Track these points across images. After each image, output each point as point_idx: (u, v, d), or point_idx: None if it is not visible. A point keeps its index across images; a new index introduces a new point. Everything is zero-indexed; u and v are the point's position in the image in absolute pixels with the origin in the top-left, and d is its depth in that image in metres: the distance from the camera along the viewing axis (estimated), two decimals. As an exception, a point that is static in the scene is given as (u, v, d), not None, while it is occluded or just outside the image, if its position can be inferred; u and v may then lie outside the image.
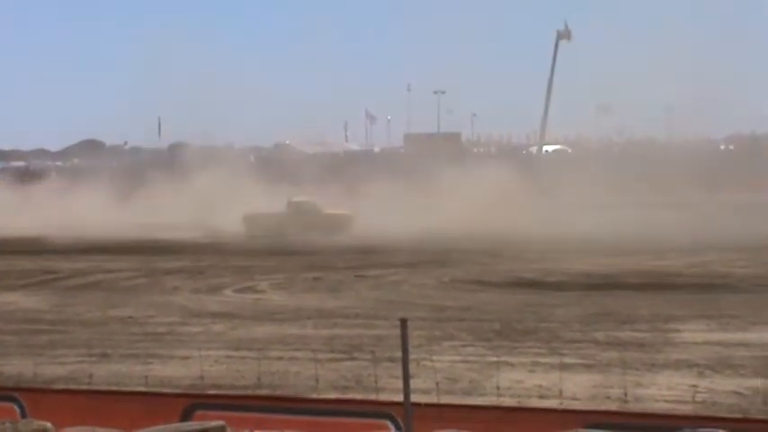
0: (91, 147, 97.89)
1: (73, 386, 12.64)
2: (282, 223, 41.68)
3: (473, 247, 32.95)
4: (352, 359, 15.55)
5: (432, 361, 13.56)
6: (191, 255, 33.69)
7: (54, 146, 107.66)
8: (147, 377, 12.96)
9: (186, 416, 8.22)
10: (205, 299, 23.22)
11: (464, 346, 16.55)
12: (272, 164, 68.69)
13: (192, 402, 8.39)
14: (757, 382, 13.07)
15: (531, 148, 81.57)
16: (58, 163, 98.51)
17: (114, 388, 12.01)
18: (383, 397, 8.81)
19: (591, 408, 10.49)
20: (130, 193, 53.14)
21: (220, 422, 7.44)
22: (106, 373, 14.70)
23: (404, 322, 6.80)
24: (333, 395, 11.98)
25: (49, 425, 7.82)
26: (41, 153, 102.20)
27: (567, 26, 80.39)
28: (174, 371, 15.01)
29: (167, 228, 41.91)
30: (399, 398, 6.76)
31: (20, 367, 14.99)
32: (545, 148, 78.98)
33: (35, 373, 13.81)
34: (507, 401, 11.98)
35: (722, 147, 78.95)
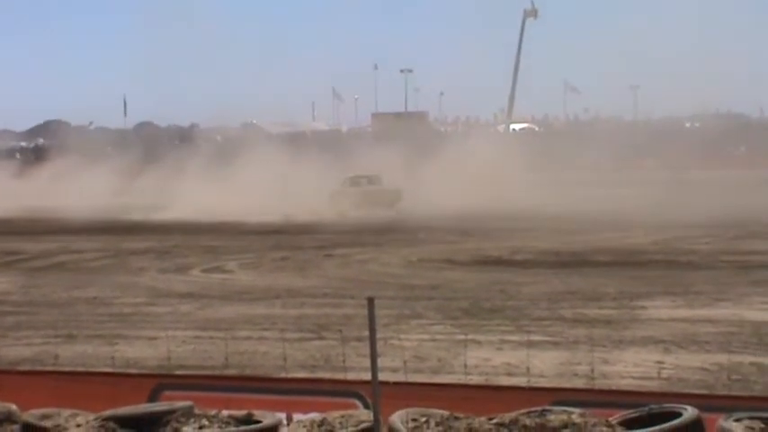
0: (56, 127, 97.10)
1: (39, 367, 12.54)
2: (364, 199, 41.52)
3: (441, 226, 33.01)
4: (321, 338, 15.54)
5: (399, 340, 13.58)
6: (157, 235, 33.50)
7: (19, 126, 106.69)
8: (113, 358, 12.85)
9: (154, 396, 8.17)
10: (172, 279, 23.11)
11: (432, 324, 16.58)
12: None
13: (160, 383, 8.34)
14: (722, 358, 13.17)
15: (498, 127, 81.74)
16: (23, 143, 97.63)
17: (80, 369, 11.92)
18: (351, 376, 8.79)
19: (558, 385, 10.55)
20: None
21: (188, 402, 7.40)
22: (72, 354, 14.60)
23: (371, 301, 6.78)
24: (301, 375, 11.97)
25: (13, 406, 7.75)
26: (6, 134, 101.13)
27: (533, 4, 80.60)
28: (141, 351, 14.93)
29: (249, 213, 39.15)
30: (367, 376, 6.75)
31: (-16, 349, 14.86)
32: (512, 126, 79.23)
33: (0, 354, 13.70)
34: (475, 379, 12.00)
35: (687, 124, 79.53)
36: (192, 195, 42.86)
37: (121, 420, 7.19)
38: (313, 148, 56.19)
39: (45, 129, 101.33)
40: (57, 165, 60.32)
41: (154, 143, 67.55)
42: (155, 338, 15.75)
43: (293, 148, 53.34)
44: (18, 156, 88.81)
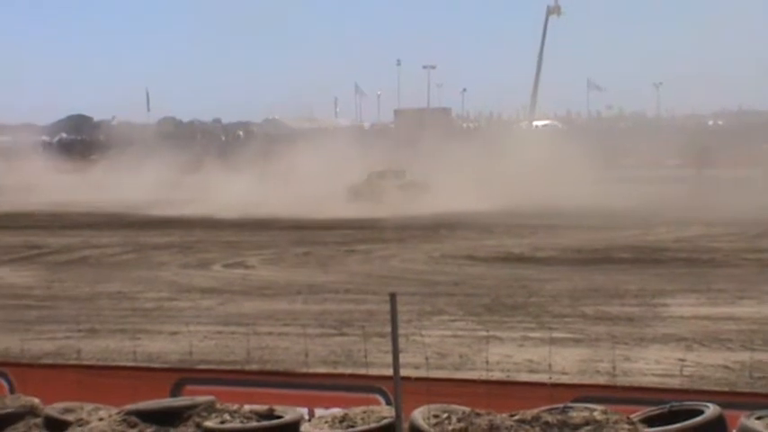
0: (78, 121, 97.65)
1: (61, 361, 12.62)
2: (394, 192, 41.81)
3: (463, 222, 32.96)
4: (342, 334, 15.56)
5: (421, 336, 13.57)
6: (179, 230, 33.60)
7: (41, 120, 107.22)
8: (135, 352, 12.95)
9: (176, 391, 8.20)
10: (194, 274, 23.17)
11: (454, 320, 16.57)
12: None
13: (182, 377, 8.38)
14: (744, 356, 13.13)
15: (521, 124, 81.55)
16: (45, 138, 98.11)
17: (103, 363, 11.98)
18: (373, 372, 8.80)
19: (580, 381, 10.52)
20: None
21: (210, 397, 7.43)
22: (94, 349, 14.69)
23: (393, 297, 6.79)
24: (323, 370, 11.99)
25: (36, 400, 7.80)
26: (29, 128, 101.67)
27: (557, 2, 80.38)
28: (163, 346, 15.00)
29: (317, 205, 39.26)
30: (389, 372, 6.75)
31: (7, 342, 14.96)
32: (535, 123, 79.04)
33: (22, 348, 13.77)
34: (497, 376, 11.99)
35: (710, 122, 79.13)
36: (239, 191, 42.97)
37: (143, 415, 7.23)
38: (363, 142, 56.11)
39: (67, 123, 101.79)
40: (110, 159, 60.30)
41: (209, 138, 67.99)
42: (176, 333, 15.83)
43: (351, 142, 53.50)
44: (42, 150, 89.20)
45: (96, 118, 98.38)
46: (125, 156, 59.57)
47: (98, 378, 8.60)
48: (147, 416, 7.21)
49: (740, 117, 79.15)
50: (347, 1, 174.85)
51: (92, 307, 18.86)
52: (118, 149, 62.92)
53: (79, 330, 16.19)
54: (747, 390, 10.37)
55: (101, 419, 7.34)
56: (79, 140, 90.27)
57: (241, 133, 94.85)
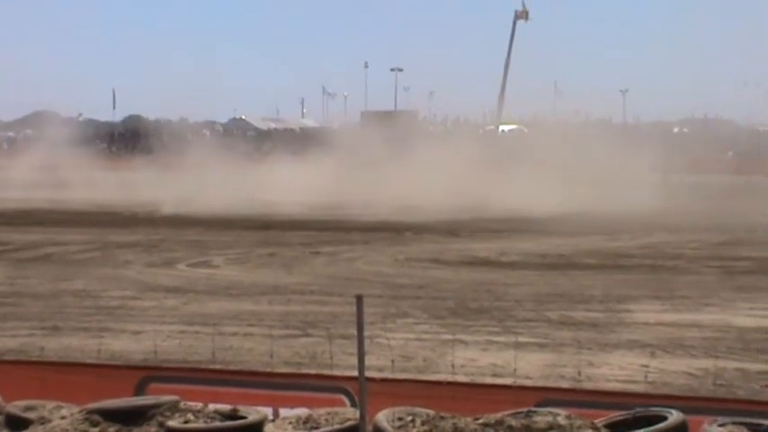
0: (45, 118, 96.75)
1: (23, 358, 12.49)
2: None
3: (428, 226, 33.03)
4: (307, 335, 15.53)
5: (386, 339, 13.57)
6: (144, 228, 33.41)
7: (6, 116, 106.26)
8: (99, 351, 12.85)
9: (140, 389, 8.15)
10: (158, 273, 23.04)
11: (418, 323, 16.58)
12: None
13: (146, 375, 8.32)
14: (708, 363, 13.23)
15: (487, 128, 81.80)
16: (10, 134, 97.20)
17: (66, 359, 11.88)
18: (337, 373, 8.79)
19: (545, 384, 10.56)
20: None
21: (174, 397, 7.38)
22: (57, 347, 14.55)
23: (360, 299, 6.78)
24: (287, 370, 11.94)
25: (-3, 397, 7.71)
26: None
27: (524, 6, 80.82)
28: (127, 345, 14.89)
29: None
30: (354, 373, 6.74)
31: (-31, 339, 14.80)
32: (501, 127, 79.32)
33: (-16, 345, 13.64)
34: (461, 379, 12.00)
35: (675, 129, 79.78)
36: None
37: (106, 413, 7.16)
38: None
39: (33, 119, 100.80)
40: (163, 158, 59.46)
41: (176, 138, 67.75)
42: (140, 332, 15.72)
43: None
44: (5, 146, 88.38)
45: (63, 114, 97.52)
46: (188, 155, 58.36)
47: (61, 375, 8.52)
48: (110, 414, 7.14)
49: (706, 125, 79.89)
50: (315, 2, 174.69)
51: (55, 305, 18.69)
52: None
53: (42, 328, 16.08)
54: (710, 395, 10.43)
55: (63, 418, 7.27)
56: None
57: (207, 132, 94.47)
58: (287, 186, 44.54)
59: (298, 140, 73.67)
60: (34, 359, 11.32)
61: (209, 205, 38.28)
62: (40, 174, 55.93)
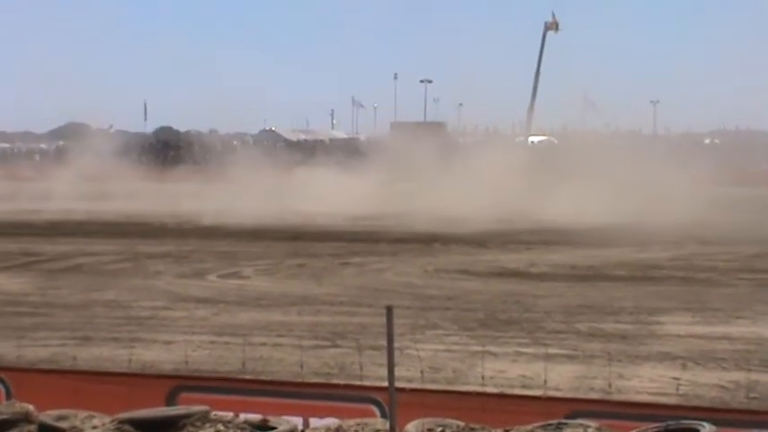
0: (76, 129, 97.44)
1: (56, 367, 12.57)
2: None
3: (457, 236, 32.99)
4: (336, 346, 15.55)
5: (416, 350, 13.56)
6: (174, 239, 33.58)
7: (39, 128, 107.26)
8: (130, 361, 12.91)
9: (171, 398, 8.19)
10: (189, 283, 23.15)
11: (447, 335, 16.56)
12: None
13: (177, 384, 8.36)
14: (739, 376, 13.12)
15: (517, 139, 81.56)
16: (43, 146, 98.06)
17: (98, 369, 11.96)
18: (367, 384, 8.80)
19: (575, 396, 10.52)
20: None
21: (204, 407, 7.43)
22: (89, 357, 14.66)
23: (389, 309, 6.80)
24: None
25: (31, 407, 7.78)
26: (27, 135, 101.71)
27: (554, 17, 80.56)
28: (158, 355, 14.98)
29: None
30: (384, 384, 6.75)
31: (2, 349, 14.93)
32: (531, 138, 79.11)
33: (17, 355, 13.75)
34: (491, 391, 11.97)
35: (707, 141, 79.28)
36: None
37: (137, 423, 7.22)
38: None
39: (65, 131, 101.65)
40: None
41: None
42: (171, 342, 15.81)
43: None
44: (37, 158, 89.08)
45: (94, 126, 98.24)
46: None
47: (93, 385, 8.58)
48: (141, 424, 7.20)
49: (737, 136, 79.40)
50: (346, 13, 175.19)
51: (86, 315, 18.83)
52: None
53: (74, 338, 16.21)
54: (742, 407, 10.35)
55: (95, 427, 7.33)
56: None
57: (237, 143, 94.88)
58: (324, 197, 44.96)
59: (340, 150, 74.00)
60: (66, 369, 11.39)
61: (249, 216, 38.54)
62: (79, 185, 56.36)
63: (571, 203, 38.57)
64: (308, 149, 78.34)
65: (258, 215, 38.90)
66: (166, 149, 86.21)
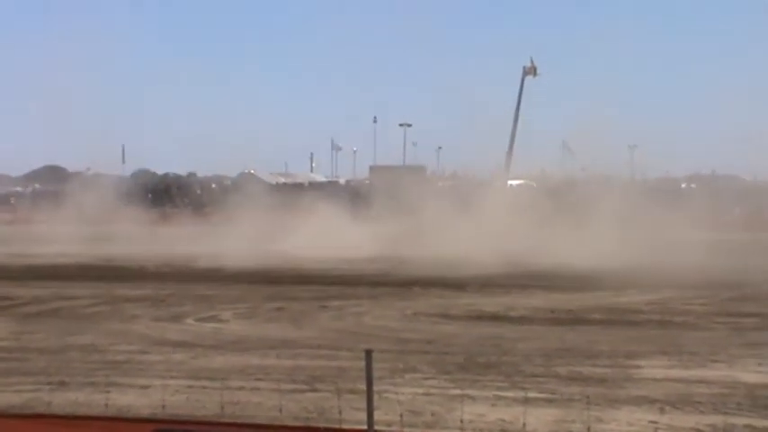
0: (53, 172, 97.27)
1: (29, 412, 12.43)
2: None
3: (435, 280, 33.06)
4: (315, 390, 15.48)
5: (395, 393, 13.54)
6: (152, 282, 33.45)
7: (15, 171, 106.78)
8: (106, 406, 12.81)
9: (149, 443, 8.12)
10: (166, 327, 23.03)
11: (426, 378, 16.53)
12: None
13: (155, 428, 8.31)
14: (717, 419, 13.17)
15: (495, 183, 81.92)
16: (19, 188, 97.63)
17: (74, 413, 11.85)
18: (346, 428, 8.78)
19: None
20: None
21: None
22: (64, 402, 14.51)
23: (369, 353, 6.81)
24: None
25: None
26: (3, 178, 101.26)
27: (533, 62, 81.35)
28: (134, 400, 14.84)
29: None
30: (364, 428, 6.75)
31: (-25, 394, 14.76)
32: (510, 182, 79.49)
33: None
34: (469, 434, 11.96)
35: (683, 185, 79.83)
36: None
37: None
38: None
39: (41, 174, 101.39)
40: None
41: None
42: (148, 387, 15.69)
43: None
44: (12, 201, 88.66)
45: (70, 169, 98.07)
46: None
47: (69, 429, 8.50)
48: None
49: (713, 181, 80.00)
50: (325, 56, 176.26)
51: (62, 359, 18.67)
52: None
53: (48, 383, 16.03)
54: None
55: (71, 472, 7.27)
56: (52, 191, 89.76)
57: (215, 186, 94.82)
58: (318, 240, 45.65)
59: (338, 193, 74.46)
60: (42, 413, 11.28)
61: (244, 259, 38.75)
62: (68, 228, 56.28)
63: (543, 247, 38.87)
64: (312, 192, 78.62)
65: (251, 259, 39.29)
66: (167, 194, 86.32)
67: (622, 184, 62.98)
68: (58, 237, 52.48)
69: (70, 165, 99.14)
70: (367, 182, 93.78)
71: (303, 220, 52.83)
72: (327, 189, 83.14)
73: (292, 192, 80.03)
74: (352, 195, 66.51)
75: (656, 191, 57.59)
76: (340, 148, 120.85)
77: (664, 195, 56.21)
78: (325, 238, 46.40)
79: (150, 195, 76.29)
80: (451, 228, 46.68)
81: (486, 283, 32.28)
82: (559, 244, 40.73)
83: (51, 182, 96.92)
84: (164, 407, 12.78)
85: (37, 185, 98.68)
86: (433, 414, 13.85)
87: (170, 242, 48.91)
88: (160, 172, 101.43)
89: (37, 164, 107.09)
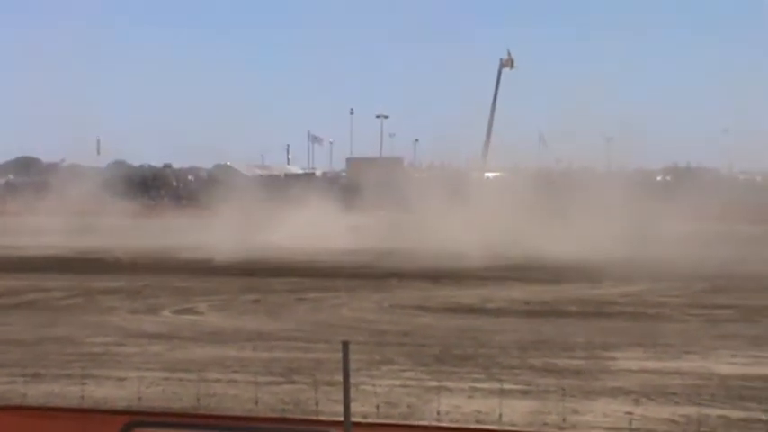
0: (27, 164, 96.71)
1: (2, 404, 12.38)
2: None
3: (412, 272, 33.11)
4: (292, 382, 15.49)
5: (372, 385, 13.56)
6: (127, 274, 33.33)
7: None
8: (82, 398, 12.77)
9: (125, 435, 8.09)
10: (142, 319, 22.96)
11: (403, 370, 16.57)
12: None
13: (130, 420, 8.28)
14: (691, 410, 13.27)
15: (472, 174, 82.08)
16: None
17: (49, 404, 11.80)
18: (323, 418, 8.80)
19: (531, 430, 10.58)
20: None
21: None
22: (39, 394, 14.46)
23: (345, 345, 6.81)
24: (271, 417, 11.89)
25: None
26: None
27: (509, 54, 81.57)
28: (110, 392, 14.81)
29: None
30: (340, 419, 6.76)
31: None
32: (486, 174, 79.70)
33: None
34: (446, 425, 11.98)
35: (658, 178, 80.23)
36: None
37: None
38: None
39: (15, 165, 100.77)
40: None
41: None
42: (124, 379, 15.66)
43: None
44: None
45: (45, 160, 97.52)
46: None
47: (44, 421, 8.47)
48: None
49: (688, 173, 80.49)
50: (301, 48, 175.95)
51: (37, 351, 18.58)
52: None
53: (23, 375, 15.94)
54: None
55: (47, 464, 7.25)
56: (29, 183, 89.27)
57: (191, 178, 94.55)
58: (302, 231, 45.74)
59: (326, 186, 74.51)
60: (16, 405, 11.24)
61: (225, 251, 38.73)
62: (42, 220, 56.01)
63: (519, 239, 39.08)
64: (298, 183, 78.54)
65: (241, 251, 39.36)
66: (143, 186, 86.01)
67: (607, 177, 63.34)
68: (35, 228, 52.20)
69: (44, 156, 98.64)
70: (344, 174, 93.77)
71: (289, 212, 52.79)
72: (316, 181, 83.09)
73: (278, 184, 79.88)
74: (342, 188, 66.52)
75: (638, 183, 57.81)
76: (319, 140, 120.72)
77: (648, 188, 56.56)
78: (310, 230, 46.40)
79: (128, 188, 75.95)
80: (436, 220, 46.71)
81: (464, 275, 32.37)
82: (542, 236, 40.86)
83: (25, 173, 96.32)
84: (140, 399, 12.77)
85: (11, 176, 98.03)
86: (409, 406, 13.88)
87: (156, 234, 48.79)
88: (136, 164, 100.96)
89: (10, 155, 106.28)
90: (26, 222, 56.73)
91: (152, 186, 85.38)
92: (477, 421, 12.95)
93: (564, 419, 12.05)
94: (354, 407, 7.30)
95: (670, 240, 41.74)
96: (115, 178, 74.88)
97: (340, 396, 6.70)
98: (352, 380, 6.87)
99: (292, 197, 58.45)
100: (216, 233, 45.14)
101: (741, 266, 33.85)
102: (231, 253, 38.59)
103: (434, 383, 14.40)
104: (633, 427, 12.20)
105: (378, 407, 11.34)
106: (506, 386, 14.53)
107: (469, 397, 14.48)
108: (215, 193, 59.82)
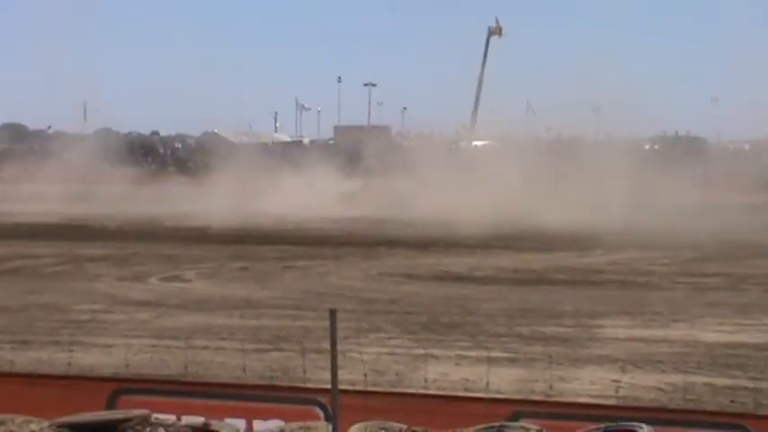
0: (13, 130, 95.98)
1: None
2: None
3: (400, 240, 33.10)
4: (279, 350, 15.50)
5: (359, 353, 13.55)
6: (115, 241, 33.24)
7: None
8: (69, 365, 12.72)
9: (111, 402, 8.08)
10: (129, 287, 22.93)
11: (390, 338, 16.60)
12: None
13: (117, 388, 8.26)
14: (677, 378, 13.32)
15: (460, 143, 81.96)
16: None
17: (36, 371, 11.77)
18: (311, 385, 8.79)
19: (519, 397, 10.58)
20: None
21: (145, 411, 7.34)
22: (26, 361, 14.41)
23: (333, 313, 6.78)
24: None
25: (-36, 413, 7.63)
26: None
27: (498, 23, 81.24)
28: (97, 359, 14.79)
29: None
30: (328, 386, 6.74)
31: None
32: (474, 143, 79.58)
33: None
34: (434, 393, 11.99)
35: (647, 147, 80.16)
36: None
37: (76, 427, 7.12)
38: None
39: (1, 131, 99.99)
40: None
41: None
42: (111, 346, 15.64)
43: None
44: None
45: (31, 127, 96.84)
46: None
47: (31, 388, 8.44)
48: (80, 429, 7.10)
49: (676, 142, 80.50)
50: (289, 15, 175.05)
51: (24, 318, 18.55)
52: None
53: (11, 342, 15.91)
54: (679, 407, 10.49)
55: (32, 432, 7.22)
56: (18, 150, 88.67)
57: (179, 145, 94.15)
58: (297, 200, 45.87)
59: (316, 153, 74.26)
60: (2, 372, 11.20)
61: (218, 219, 38.68)
62: (32, 187, 55.80)
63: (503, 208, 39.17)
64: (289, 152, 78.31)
65: (237, 218, 39.35)
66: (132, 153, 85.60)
67: (600, 145, 63.34)
68: (32, 195, 51.97)
69: (31, 123, 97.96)
70: (331, 142, 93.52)
71: (286, 180, 52.67)
72: (316, 149, 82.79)
73: (280, 150, 79.64)
74: (345, 156, 66.25)
75: (628, 152, 57.79)
76: (305, 108, 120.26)
77: (639, 156, 56.63)
78: (305, 198, 46.42)
79: (116, 155, 75.64)
80: (430, 188, 46.62)
81: (453, 243, 32.36)
82: (535, 204, 40.89)
83: (10, 140, 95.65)
84: (127, 366, 12.73)
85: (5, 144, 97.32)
86: (397, 373, 13.91)
87: (153, 202, 48.63)
88: (123, 131, 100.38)
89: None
90: (23, 189, 56.39)
91: (139, 153, 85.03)
92: (465, 389, 12.97)
93: (551, 387, 12.06)
94: (342, 374, 7.27)
95: (661, 209, 41.82)
96: (103, 145, 74.43)
97: (327, 364, 6.68)
98: (339, 348, 6.85)
99: (288, 164, 58.32)
100: (212, 200, 44.99)
101: (731, 235, 33.89)
102: (225, 220, 38.49)
103: (422, 351, 14.41)
104: (620, 394, 12.22)
105: (365, 375, 11.30)
106: (493, 354, 14.57)
107: (457, 365, 14.51)
108: (211, 160, 59.71)
